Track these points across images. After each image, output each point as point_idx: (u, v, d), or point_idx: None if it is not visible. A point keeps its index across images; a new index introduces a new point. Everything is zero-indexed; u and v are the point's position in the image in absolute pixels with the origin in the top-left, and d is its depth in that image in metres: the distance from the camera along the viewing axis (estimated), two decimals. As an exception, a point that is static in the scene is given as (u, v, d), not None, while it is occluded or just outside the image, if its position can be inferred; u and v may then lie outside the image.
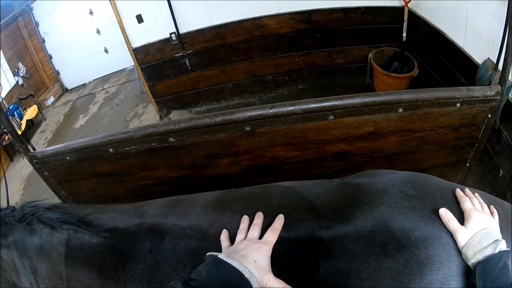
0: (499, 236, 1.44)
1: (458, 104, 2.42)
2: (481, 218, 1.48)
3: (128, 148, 2.53)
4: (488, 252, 1.34)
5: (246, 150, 2.58)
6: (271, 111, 2.37)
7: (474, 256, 1.36)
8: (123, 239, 1.75)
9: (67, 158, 2.63)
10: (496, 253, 1.33)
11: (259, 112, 2.38)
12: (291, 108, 2.37)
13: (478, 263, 1.33)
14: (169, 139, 2.47)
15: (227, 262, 1.29)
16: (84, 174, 2.78)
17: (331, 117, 2.41)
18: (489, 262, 1.31)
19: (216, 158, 2.63)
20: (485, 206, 1.61)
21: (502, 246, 1.37)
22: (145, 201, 2.05)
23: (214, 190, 2.00)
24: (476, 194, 1.68)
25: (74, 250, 1.77)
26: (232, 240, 1.55)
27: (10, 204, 2.12)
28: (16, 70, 9.87)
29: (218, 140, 2.49)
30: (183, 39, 6.18)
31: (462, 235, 1.42)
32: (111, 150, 2.55)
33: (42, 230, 1.84)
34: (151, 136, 2.47)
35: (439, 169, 2.88)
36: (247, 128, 2.43)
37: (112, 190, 2.92)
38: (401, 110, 2.41)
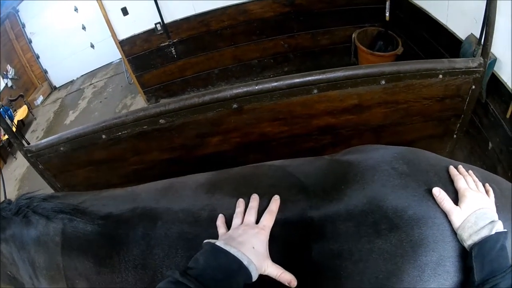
0: (495, 216, 1.41)
1: (441, 76, 2.44)
2: (476, 198, 1.45)
3: (120, 133, 2.56)
4: (484, 233, 1.31)
5: (235, 128, 2.61)
6: (256, 87, 2.40)
7: (470, 238, 1.33)
8: (117, 225, 1.75)
9: (61, 148, 2.66)
10: (493, 235, 1.30)
11: (245, 89, 2.41)
12: (275, 83, 2.40)
13: (475, 245, 1.30)
14: (160, 121, 2.50)
15: (225, 250, 1.28)
16: (78, 163, 2.80)
17: (315, 91, 2.43)
18: (485, 244, 1.29)
19: (206, 137, 2.65)
20: (480, 184, 1.58)
21: (499, 227, 1.33)
22: (138, 185, 2.06)
23: (206, 169, 1.99)
24: (471, 171, 1.64)
25: (70, 239, 1.77)
26: (228, 224, 1.54)
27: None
28: (4, 73, 9.81)
29: (207, 119, 2.52)
30: (168, 28, 6.21)
31: (457, 215, 1.39)
32: (103, 136, 2.58)
33: (38, 221, 1.84)
34: (142, 119, 2.49)
35: (426, 141, 2.90)
36: (235, 106, 2.46)
37: (107, 178, 2.94)
38: (383, 82, 2.43)
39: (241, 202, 1.59)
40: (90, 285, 1.72)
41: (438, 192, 1.45)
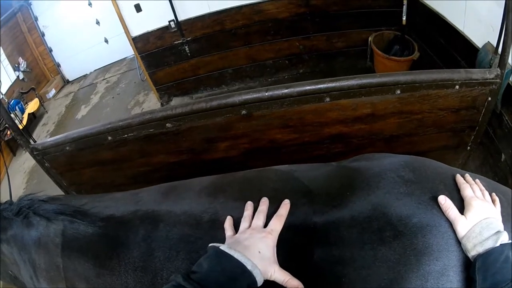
0: (501, 227, 1.39)
1: (457, 87, 2.40)
2: (482, 207, 1.43)
3: (126, 135, 2.54)
4: (489, 244, 1.30)
5: (244, 134, 2.58)
6: (266, 94, 2.36)
7: (474, 248, 1.31)
8: (118, 227, 1.75)
9: (67, 148, 2.65)
10: (498, 247, 1.28)
11: (254, 95, 2.38)
12: (286, 90, 2.36)
13: (479, 256, 1.29)
14: (166, 124, 2.47)
15: (228, 254, 1.27)
16: (84, 163, 2.79)
17: (327, 99, 2.39)
18: (490, 255, 1.27)
19: (214, 142, 2.63)
20: (487, 193, 1.56)
21: (504, 238, 1.31)
22: (141, 188, 2.05)
23: (214, 174, 1.98)
24: (477, 180, 1.62)
25: (70, 241, 1.78)
26: (235, 226, 1.53)
27: (13, 198, 2.11)
28: (16, 65, 9.91)
29: (215, 124, 2.49)
30: (182, 26, 6.22)
31: (462, 225, 1.37)
32: (109, 138, 2.56)
33: (38, 223, 1.86)
34: (148, 122, 2.47)
35: (439, 152, 2.86)
36: (244, 112, 2.43)
37: (113, 178, 2.93)
38: (398, 91, 2.39)
39: (249, 205, 1.58)
40: (90, 287, 1.73)
41: (444, 200, 1.43)
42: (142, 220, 1.72)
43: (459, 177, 1.59)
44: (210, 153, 2.71)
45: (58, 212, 1.83)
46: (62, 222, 1.81)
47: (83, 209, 1.87)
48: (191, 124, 2.48)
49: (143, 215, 1.75)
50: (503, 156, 3.45)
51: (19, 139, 2.74)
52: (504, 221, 1.44)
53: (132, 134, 2.52)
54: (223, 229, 1.53)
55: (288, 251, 1.46)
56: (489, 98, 2.48)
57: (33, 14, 10.35)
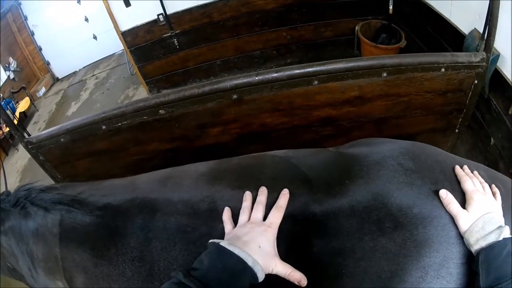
0: (503, 221, 1.39)
1: (443, 69, 2.44)
2: (483, 201, 1.42)
3: (120, 124, 2.55)
4: (492, 238, 1.29)
5: (235, 119, 2.60)
6: (257, 78, 2.39)
7: (477, 243, 1.30)
8: (115, 216, 1.72)
9: (62, 139, 2.66)
10: (500, 241, 1.28)
11: (245, 80, 2.40)
12: (276, 74, 2.39)
13: (482, 250, 1.28)
14: (160, 111, 2.49)
15: (229, 250, 1.25)
16: (79, 154, 2.80)
17: (316, 82, 2.42)
18: (493, 249, 1.26)
19: (206, 127, 2.65)
20: (487, 186, 1.55)
21: (506, 233, 1.30)
22: (138, 175, 2.03)
23: (207, 160, 1.96)
24: (475, 172, 1.62)
25: (68, 231, 1.75)
26: (233, 217, 1.50)
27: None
28: (7, 65, 9.82)
29: (207, 110, 2.51)
30: (170, 20, 6.18)
31: (464, 219, 1.36)
32: (103, 127, 2.57)
33: (36, 213, 1.82)
34: (142, 110, 2.49)
35: (428, 135, 2.89)
36: (235, 96, 2.45)
37: (108, 168, 2.94)
38: (385, 74, 2.43)
39: (248, 196, 1.55)
40: (88, 277, 1.71)
41: (445, 195, 1.41)
42: (139, 209, 1.70)
43: (458, 169, 1.58)
44: (203, 139, 2.73)
45: (55, 202, 1.80)
46: (60, 212, 1.78)
47: (80, 198, 1.83)
48: (184, 110, 2.50)
49: (140, 204, 1.72)
50: (492, 140, 3.46)
51: (14, 133, 2.74)
52: (504, 213, 1.45)
53: (126, 122, 2.54)
54: (220, 219, 1.51)
55: (288, 243, 1.44)
56: (476, 81, 2.53)
57: (23, 14, 10.24)
